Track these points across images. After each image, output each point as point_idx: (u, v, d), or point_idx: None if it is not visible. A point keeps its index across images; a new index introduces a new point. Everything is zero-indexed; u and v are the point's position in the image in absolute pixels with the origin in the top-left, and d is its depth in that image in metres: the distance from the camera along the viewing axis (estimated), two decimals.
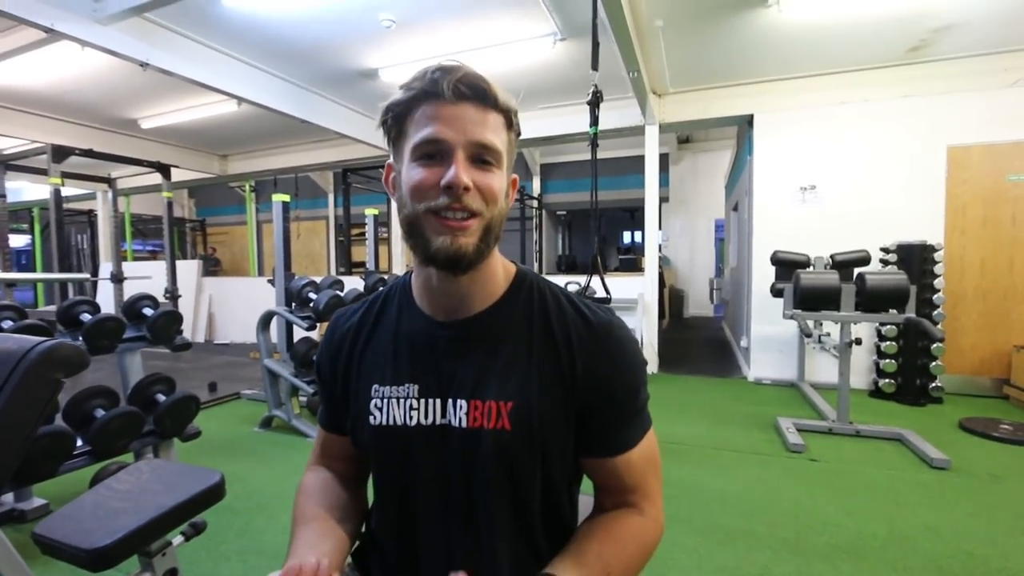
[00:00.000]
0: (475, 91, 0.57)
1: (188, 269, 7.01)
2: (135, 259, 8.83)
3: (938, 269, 3.61)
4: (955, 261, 3.81)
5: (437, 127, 0.57)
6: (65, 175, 4.73)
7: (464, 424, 0.64)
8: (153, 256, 10.41)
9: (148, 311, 2.29)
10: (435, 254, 0.59)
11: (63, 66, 3.99)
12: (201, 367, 5.12)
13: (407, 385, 0.67)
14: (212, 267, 10.73)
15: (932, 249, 3.65)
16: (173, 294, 5.72)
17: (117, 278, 5.71)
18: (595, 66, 2.05)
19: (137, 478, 1.19)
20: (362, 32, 3.44)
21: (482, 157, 0.58)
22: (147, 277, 6.31)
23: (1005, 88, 3.70)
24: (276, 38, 3.49)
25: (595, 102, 2.03)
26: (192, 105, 4.85)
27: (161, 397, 2.24)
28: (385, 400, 0.67)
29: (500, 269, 0.69)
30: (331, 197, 10.43)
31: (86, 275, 6.43)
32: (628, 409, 0.67)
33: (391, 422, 0.67)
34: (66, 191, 4.97)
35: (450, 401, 0.65)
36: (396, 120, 0.60)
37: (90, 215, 9.12)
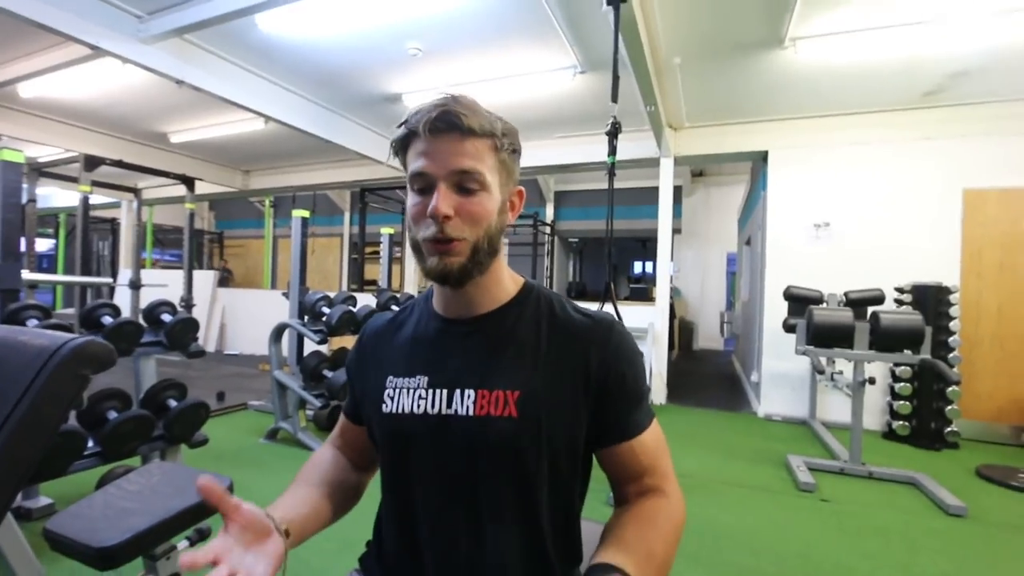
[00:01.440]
0: (449, 124, 0.63)
1: (204, 279, 7.13)
2: (153, 267, 9.00)
3: (953, 311, 3.57)
4: (971, 305, 3.77)
5: (423, 162, 0.64)
6: (94, 183, 4.89)
7: (471, 412, 0.68)
8: (170, 266, 10.60)
9: (166, 317, 2.33)
10: (428, 272, 0.67)
11: (101, 80, 4.17)
12: (210, 376, 5.16)
13: (418, 376, 0.72)
14: (224, 278, 10.89)
15: (948, 291, 3.62)
16: (188, 303, 5.80)
17: (135, 284, 5.81)
18: (615, 99, 2.12)
19: (148, 479, 1.21)
20: (389, 59, 3.57)
21: (463, 184, 0.64)
22: (164, 285, 6.41)
23: (1020, 135, 3.72)
24: (307, 61, 3.63)
25: (614, 133, 2.08)
26: (220, 122, 5.02)
27: (172, 403, 2.27)
28: (397, 390, 0.73)
29: (507, 278, 0.75)
30: (347, 215, 10.62)
31: (108, 279, 6.56)
32: (636, 396, 0.72)
33: (400, 410, 0.71)
34: (93, 199, 5.12)
35: (457, 391, 0.69)
36: (399, 153, 0.69)
37: (113, 223, 9.34)
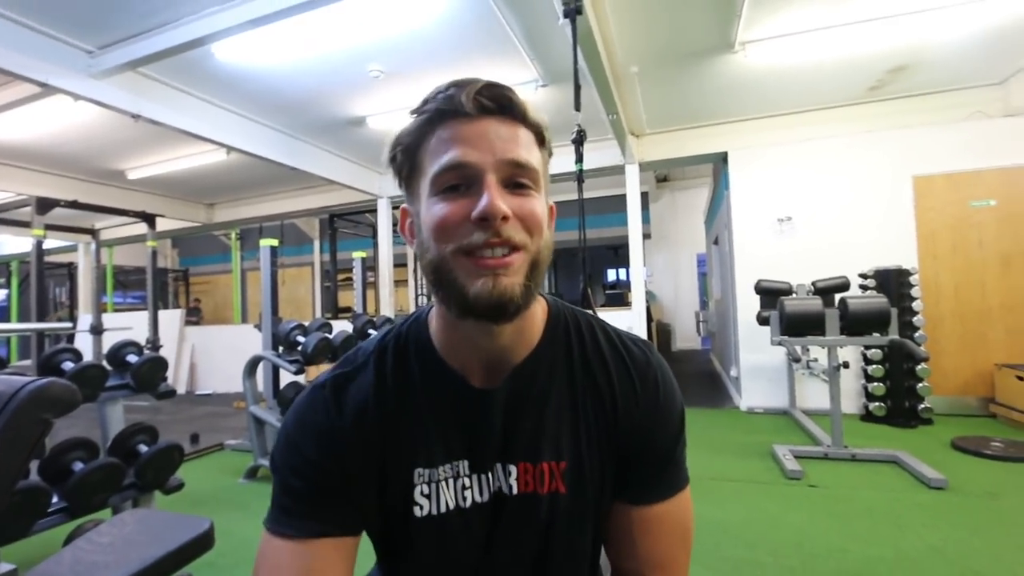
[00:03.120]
0: (500, 103, 0.49)
1: (170, 319, 6.89)
2: (115, 311, 8.66)
3: (915, 292, 3.73)
4: (930, 286, 3.94)
5: (459, 150, 0.48)
6: (48, 227, 4.70)
7: (515, 491, 0.57)
8: (133, 308, 10.23)
9: (132, 358, 2.24)
10: (475, 301, 0.48)
11: (52, 119, 4.04)
12: (182, 418, 4.95)
13: (456, 463, 0.57)
14: (194, 318, 10.57)
15: (908, 273, 3.78)
16: (155, 344, 5.59)
17: (97, 329, 5.58)
18: (577, 107, 2.16)
19: (120, 530, 1.13)
20: (350, 82, 3.57)
21: (517, 180, 0.49)
22: (128, 328, 6.17)
23: (961, 121, 3.95)
24: (267, 88, 3.60)
25: (579, 140, 2.12)
26: (180, 155, 4.91)
27: (143, 447, 2.16)
28: (433, 484, 0.56)
29: (539, 309, 0.60)
30: (316, 243, 10.46)
31: (67, 325, 6.27)
32: (667, 460, 0.60)
33: (444, 509, 0.56)
34: (48, 243, 4.91)
35: (499, 466, 0.57)
36: (407, 154, 0.52)
37: (70, 267, 8.99)
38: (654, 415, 0.58)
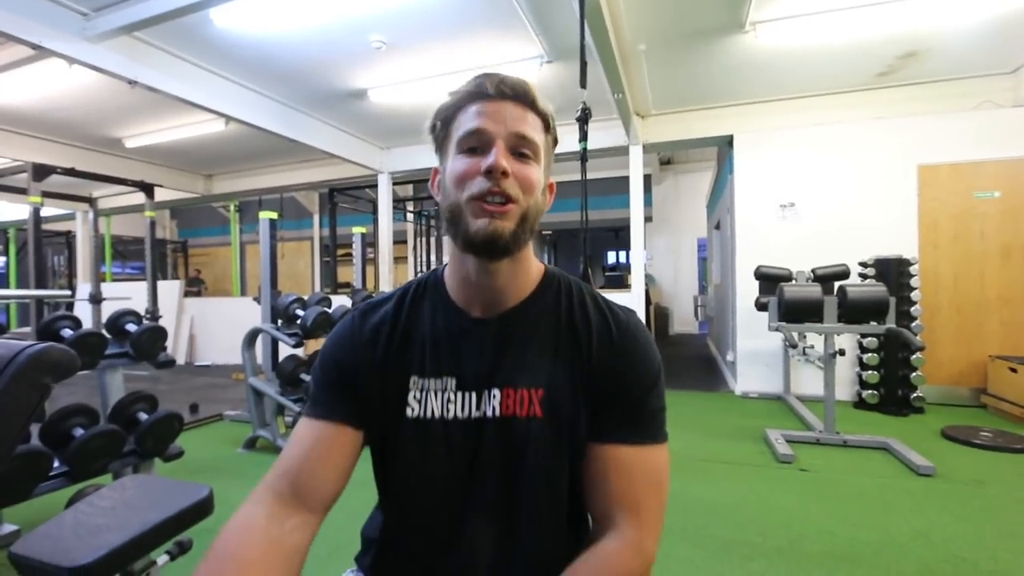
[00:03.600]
0: (516, 91, 0.63)
1: (169, 290, 6.89)
2: (113, 280, 8.64)
3: (914, 282, 3.73)
4: (929, 275, 3.94)
5: (481, 121, 0.62)
6: (45, 194, 4.66)
7: (497, 413, 0.66)
8: (132, 278, 10.21)
9: (132, 327, 2.24)
10: (474, 236, 0.61)
11: (48, 84, 3.96)
12: (181, 388, 4.99)
13: (445, 378, 0.68)
14: (195, 288, 10.57)
15: (908, 263, 3.77)
16: (154, 315, 5.59)
17: (96, 298, 5.58)
18: (583, 84, 2.12)
19: (121, 494, 1.15)
20: (352, 53, 3.49)
21: (520, 149, 0.62)
22: (127, 298, 6.16)
23: (968, 111, 3.90)
24: (267, 58, 3.52)
25: (584, 119, 2.08)
26: (179, 124, 4.83)
27: (143, 416, 2.18)
28: (424, 392, 0.68)
29: (533, 265, 0.72)
30: (316, 217, 10.40)
31: (66, 293, 6.27)
32: (639, 406, 0.67)
33: (429, 415, 0.67)
34: (45, 211, 4.87)
35: (485, 392, 0.67)
36: (444, 123, 0.66)
37: (68, 236, 8.93)
38: (628, 361, 0.68)
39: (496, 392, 0.67)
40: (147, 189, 5.40)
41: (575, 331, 0.69)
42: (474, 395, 0.67)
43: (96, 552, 0.91)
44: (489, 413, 0.66)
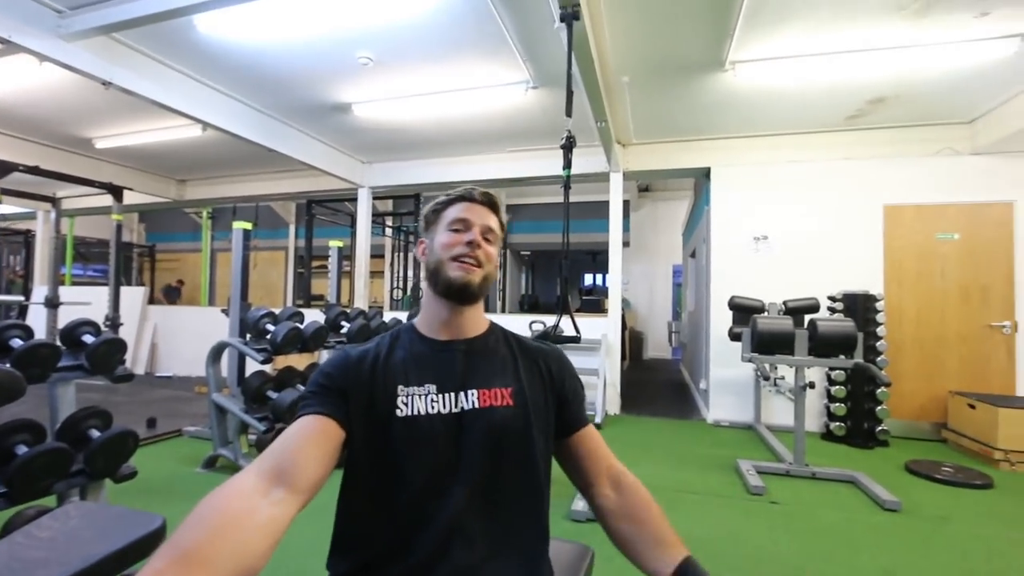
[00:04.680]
0: (488, 201, 0.93)
1: (133, 296, 6.62)
2: (73, 284, 8.27)
3: (880, 318, 3.85)
4: (894, 311, 4.08)
5: (465, 213, 0.90)
6: (5, 191, 4.45)
7: (477, 405, 0.84)
8: (94, 282, 9.80)
9: (88, 338, 2.12)
10: (453, 281, 0.86)
11: (15, 79, 3.81)
12: (139, 401, 4.76)
13: (426, 385, 0.85)
14: (172, 297, 10.21)
15: (874, 299, 3.90)
16: (114, 322, 5.35)
17: (52, 303, 5.32)
18: (569, 113, 2.14)
19: (63, 523, 1.06)
20: (338, 68, 3.48)
21: (486, 236, 0.91)
22: (86, 303, 5.90)
23: (930, 156, 4.11)
24: (249, 67, 3.47)
25: (568, 146, 2.11)
26: (153, 127, 4.70)
27: (95, 433, 2.06)
28: (409, 397, 0.83)
29: (482, 318, 0.96)
30: (292, 227, 10.22)
31: (19, 297, 5.96)
32: (580, 401, 0.97)
33: (415, 412, 0.82)
34: (3, 209, 4.65)
35: (463, 393, 0.85)
36: (435, 212, 0.93)
37: (27, 235, 8.54)
38: (568, 376, 0.96)
39: (473, 392, 0.85)
40: (115, 192, 5.22)
41: (529, 354, 0.94)
42: (453, 395, 0.84)
43: None
44: (467, 407, 0.84)
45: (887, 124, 4.13)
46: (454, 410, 0.83)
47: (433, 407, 0.83)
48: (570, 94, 2.17)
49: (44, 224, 7.41)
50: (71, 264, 8.44)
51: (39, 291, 6.60)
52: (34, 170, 4.58)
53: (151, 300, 7.48)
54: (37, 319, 5.79)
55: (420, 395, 0.83)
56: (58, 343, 2.07)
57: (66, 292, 6.35)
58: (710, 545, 2.18)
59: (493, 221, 0.92)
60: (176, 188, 6.84)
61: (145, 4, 2.56)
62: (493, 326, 0.97)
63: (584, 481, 0.91)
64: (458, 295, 0.86)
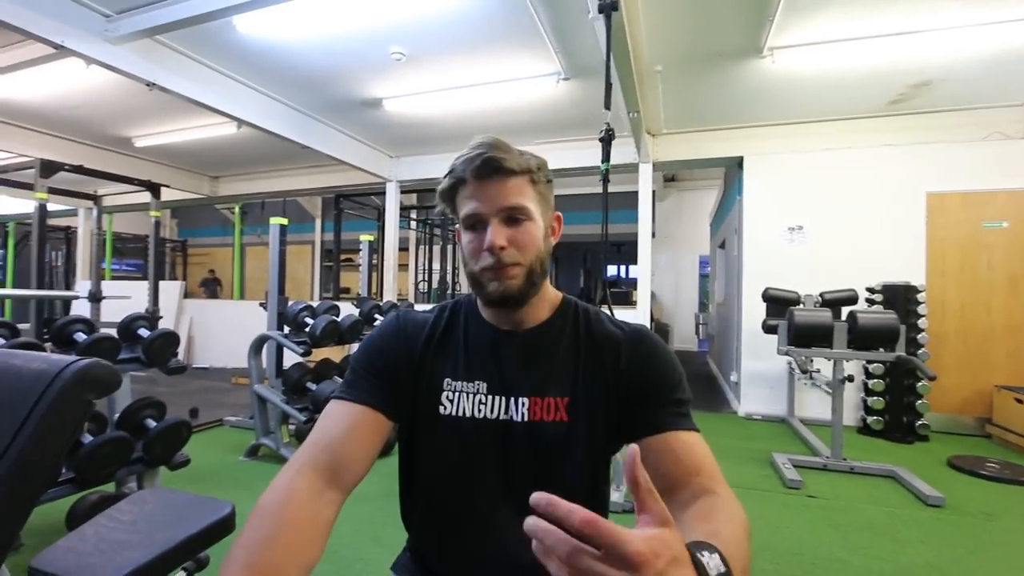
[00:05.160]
0: (492, 169, 0.71)
1: (170, 290, 6.84)
2: (112, 279, 8.57)
3: (921, 310, 3.75)
4: (936, 303, 3.95)
5: (473, 205, 0.73)
6: (50, 190, 4.62)
7: (526, 418, 0.75)
8: (128, 276, 10.14)
9: (144, 331, 2.21)
10: (491, 296, 0.74)
11: (62, 82, 3.95)
12: (180, 392, 4.94)
13: (477, 382, 0.77)
14: (210, 289, 10.47)
15: (915, 290, 3.79)
16: (154, 315, 5.54)
17: (96, 297, 5.52)
18: (608, 105, 2.13)
19: (142, 508, 1.12)
20: (370, 63, 3.51)
21: (512, 216, 0.73)
22: (127, 297, 6.12)
23: (977, 141, 3.95)
24: (286, 65, 3.53)
25: (608, 139, 2.10)
26: (190, 126, 4.83)
27: (151, 423, 2.15)
28: (456, 394, 0.77)
29: (550, 292, 0.82)
30: (318, 222, 10.38)
31: (68, 292, 6.21)
32: (668, 399, 0.73)
33: (460, 413, 0.76)
34: (48, 207, 4.83)
35: (512, 399, 0.76)
36: (448, 201, 0.77)
37: (68, 231, 8.87)
38: (649, 362, 0.76)
39: (524, 400, 0.75)
40: (154, 189, 5.37)
41: (596, 343, 0.78)
42: (503, 400, 0.76)
43: (121, 570, 0.88)
44: (517, 418, 0.75)
45: (932, 108, 3.98)
46: (502, 417, 0.75)
47: (480, 410, 0.75)
48: (609, 86, 2.15)
49: (85, 221, 7.69)
50: (110, 259, 8.74)
51: (81, 286, 6.87)
52: (78, 169, 4.74)
53: (186, 294, 7.70)
54: (80, 313, 6.03)
55: (468, 393, 0.76)
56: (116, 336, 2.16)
57: (107, 287, 6.60)
58: (750, 538, 2.17)
59: (512, 193, 0.72)
60: (209, 184, 7.01)
61: (188, 6, 2.62)
62: (563, 305, 0.82)
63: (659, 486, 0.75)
64: (502, 306, 0.75)
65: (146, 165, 6.01)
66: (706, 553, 0.46)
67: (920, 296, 3.78)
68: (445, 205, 0.78)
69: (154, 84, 3.19)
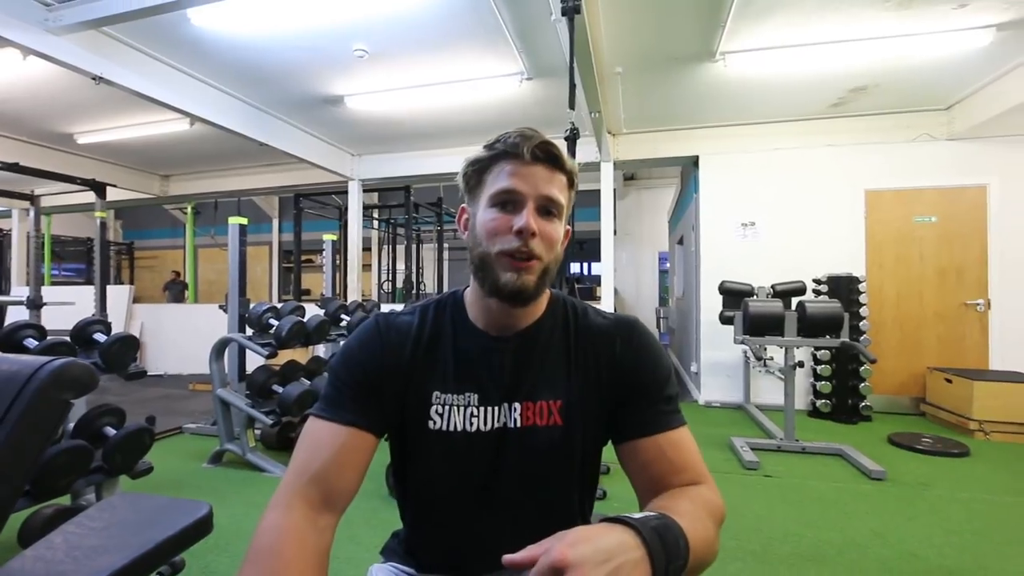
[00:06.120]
0: (548, 155, 0.69)
1: (118, 295, 6.50)
2: (52, 283, 8.06)
3: (863, 299, 4.02)
4: (875, 292, 4.25)
5: (514, 181, 0.68)
6: None
7: (519, 424, 0.73)
8: (69, 281, 9.55)
9: (100, 336, 2.12)
10: (503, 287, 0.68)
11: None
12: (134, 400, 4.72)
13: (467, 394, 0.73)
14: (177, 294, 9.86)
15: (857, 281, 4.07)
16: (103, 322, 5.26)
17: (35, 303, 5.19)
18: (572, 105, 2.20)
19: (112, 514, 1.09)
20: (333, 60, 3.46)
21: (548, 208, 0.69)
22: (70, 303, 5.78)
23: (908, 142, 4.26)
24: (243, 60, 3.43)
25: (572, 138, 2.17)
26: (139, 122, 4.60)
27: (111, 430, 2.07)
28: (446, 407, 0.73)
29: (543, 298, 0.79)
30: (275, 222, 10.08)
31: (9, 297, 5.80)
32: (659, 392, 0.73)
33: (452, 428, 0.73)
34: None
35: (507, 405, 0.73)
36: (477, 172, 0.71)
37: (1, 235, 8.28)
38: (642, 354, 0.75)
39: (516, 405, 0.73)
40: (99, 188, 5.11)
41: (588, 340, 0.76)
42: (496, 409, 0.73)
43: (98, 574, 0.87)
44: (511, 424, 0.73)
45: (868, 111, 4.27)
46: (495, 426, 0.73)
47: (472, 423, 0.72)
48: (572, 87, 2.22)
49: (20, 223, 7.20)
50: (50, 263, 8.22)
51: (17, 292, 6.44)
52: (14, 167, 4.47)
53: (135, 299, 7.32)
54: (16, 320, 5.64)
55: (459, 406, 0.73)
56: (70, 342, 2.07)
57: (47, 292, 6.20)
58: None
59: (557, 185, 0.69)
60: (160, 183, 6.70)
61: None
62: (553, 304, 0.79)
63: (641, 489, 0.71)
64: (511, 300, 0.69)
65: (90, 163, 5.69)
66: (635, 515, 0.52)
67: (861, 286, 4.06)
68: (468, 178, 0.72)
69: (101, 78, 3.04)
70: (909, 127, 4.25)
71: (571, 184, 0.73)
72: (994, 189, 4.09)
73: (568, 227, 0.77)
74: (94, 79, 3.04)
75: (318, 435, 0.69)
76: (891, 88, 3.85)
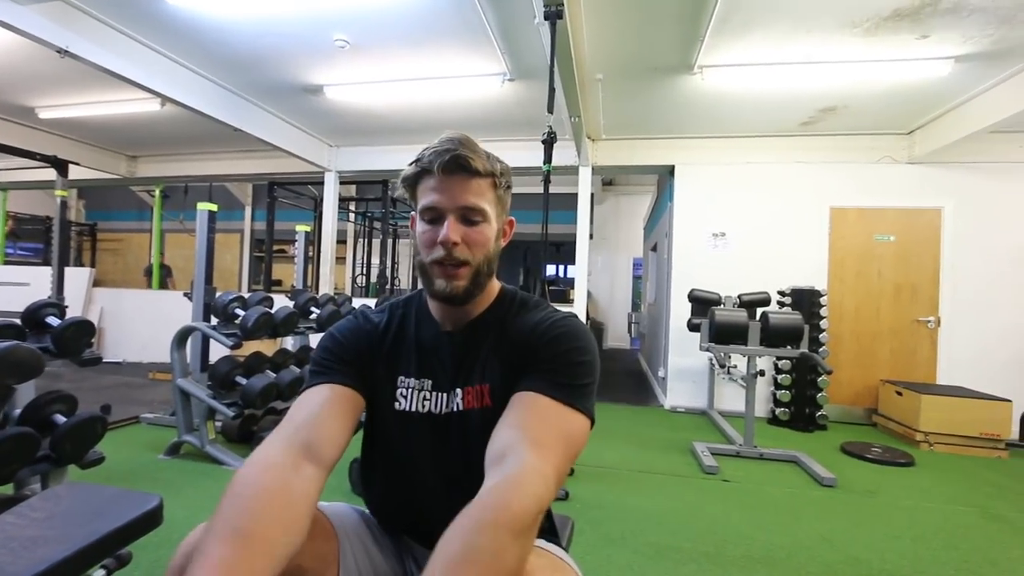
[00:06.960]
0: (459, 167, 0.75)
1: (77, 278, 6.25)
2: (5, 263, 7.70)
3: (823, 311, 4.17)
4: (836, 306, 4.42)
5: (434, 197, 0.76)
6: None
7: (461, 408, 0.82)
8: (25, 262, 9.12)
9: (54, 320, 2.05)
10: (438, 292, 0.79)
11: None
12: (89, 387, 4.54)
13: (424, 379, 0.84)
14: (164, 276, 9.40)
15: (819, 294, 4.22)
16: (59, 305, 5.05)
17: None
18: (550, 109, 2.22)
19: (55, 504, 1.07)
20: (312, 49, 3.40)
21: (468, 217, 0.77)
22: (24, 284, 5.56)
23: (872, 163, 4.44)
24: (220, 43, 3.34)
25: (550, 142, 2.19)
26: (106, 99, 4.43)
27: (60, 418, 2.00)
28: (409, 390, 0.84)
29: (492, 286, 0.88)
30: (248, 209, 9.84)
31: None
32: (562, 372, 0.74)
33: (412, 409, 0.83)
34: None
35: (453, 392, 0.83)
36: (409, 188, 0.81)
37: None
38: (555, 337, 0.78)
39: (459, 391, 0.82)
40: (60, 166, 4.90)
41: (518, 328, 0.82)
42: (445, 395, 0.83)
43: (32, 568, 0.84)
44: (455, 408, 0.82)
45: (836, 131, 4.43)
46: (444, 410, 0.82)
47: (424, 406, 0.83)
48: (552, 91, 2.24)
49: None
50: (3, 242, 7.85)
51: None
52: None
53: (96, 283, 7.05)
54: None
55: (418, 390, 0.84)
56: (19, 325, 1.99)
57: (0, 272, 5.93)
58: (670, 519, 2.35)
59: (473, 193, 0.76)
60: (127, 164, 6.46)
61: None
62: (499, 298, 0.88)
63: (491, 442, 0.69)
64: (446, 302, 0.81)
65: (51, 139, 5.45)
66: None
67: (823, 299, 4.21)
68: (406, 191, 0.81)
69: (66, 51, 2.92)
70: (873, 149, 4.43)
71: (496, 184, 0.80)
72: (948, 212, 4.30)
73: (511, 218, 0.87)
74: (59, 52, 2.93)
75: (306, 398, 0.79)
76: (858, 110, 4.00)
